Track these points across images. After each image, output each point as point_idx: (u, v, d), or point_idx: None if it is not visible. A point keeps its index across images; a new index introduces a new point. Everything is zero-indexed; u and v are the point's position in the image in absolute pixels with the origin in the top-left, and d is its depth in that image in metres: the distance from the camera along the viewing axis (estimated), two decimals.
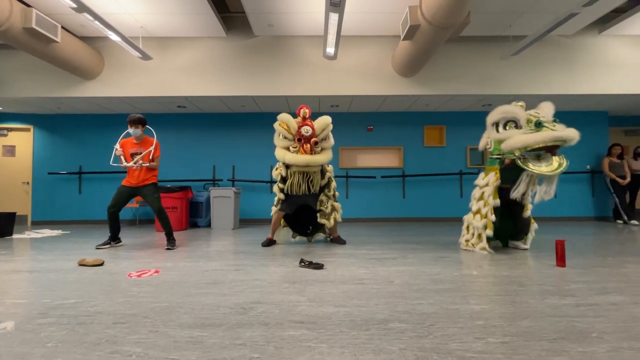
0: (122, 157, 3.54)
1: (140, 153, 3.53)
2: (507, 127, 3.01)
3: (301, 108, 3.47)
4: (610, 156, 5.94)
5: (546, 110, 2.98)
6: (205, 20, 4.60)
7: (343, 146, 6.41)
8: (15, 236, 4.59)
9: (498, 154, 3.13)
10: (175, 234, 4.72)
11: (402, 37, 4.12)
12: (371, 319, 1.54)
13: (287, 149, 3.42)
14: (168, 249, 3.50)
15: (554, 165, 2.86)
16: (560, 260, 2.56)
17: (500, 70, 5.19)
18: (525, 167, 2.90)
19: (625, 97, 5.41)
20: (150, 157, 3.56)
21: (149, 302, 1.80)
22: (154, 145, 3.57)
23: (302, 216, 3.92)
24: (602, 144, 6.34)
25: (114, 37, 3.94)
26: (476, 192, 3.30)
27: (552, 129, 2.81)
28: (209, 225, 5.67)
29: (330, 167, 3.79)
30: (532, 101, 5.67)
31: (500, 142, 3.05)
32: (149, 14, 4.37)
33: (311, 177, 3.51)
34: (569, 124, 2.98)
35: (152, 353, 1.24)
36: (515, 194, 3.03)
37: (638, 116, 6.91)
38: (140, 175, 3.56)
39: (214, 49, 5.16)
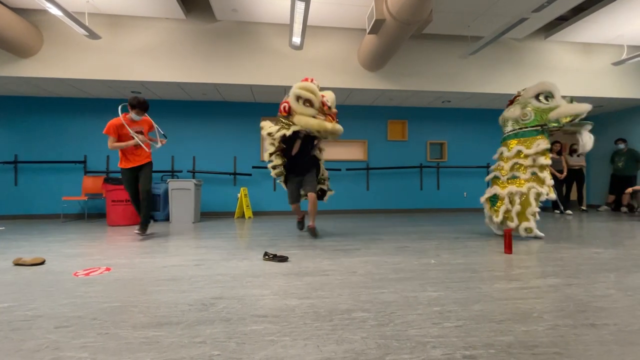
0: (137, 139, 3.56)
1: (140, 130, 3.59)
2: (548, 100, 3.38)
3: (312, 80, 3.54)
4: (550, 152, 6.54)
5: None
6: (162, 0, 4.28)
7: None
8: None
9: (538, 124, 3.38)
10: (129, 229, 4.43)
11: (367, 31, 4.16)
12: (335, 310, 1.55)
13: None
14: (137, 233, 3.58)
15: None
16: (508, 248, 2.78)
17: (459, 69, 5.45)
18: (575, 128, 3.32)
19: (565, 98, 5.95)
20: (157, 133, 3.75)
21: (98, 303, 1.67)
22: (153, 123, 3.76)
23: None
24: None
25: (54, 10, 3.53)
26: (524, 162, 3.42)
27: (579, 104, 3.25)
28: (167, 219, 5.40)
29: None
30: (487, 99, 6.06)
31: (544, 111, 3.34)
32: None
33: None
34: None
35: (100, 357, 1.14)
36: (587, 147, 3.33)
37: None
38: (143, 154, 3.62)
39: (172, 32, 4.83)
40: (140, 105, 3.51)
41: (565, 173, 6.38)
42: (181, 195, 5.16)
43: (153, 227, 4.58)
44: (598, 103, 6.30)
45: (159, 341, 1.26)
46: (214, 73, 4.92)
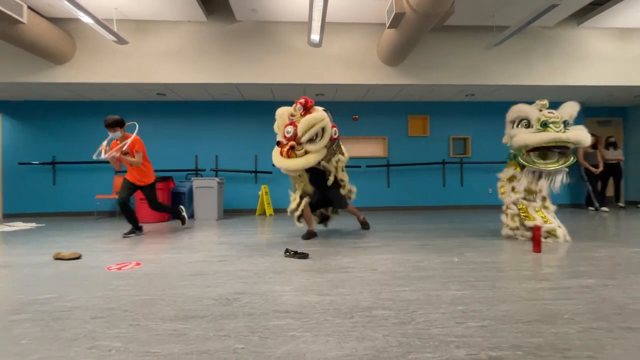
0: (103, 151, 3.57)
1: (125, 152, 3.62)
2: (520, 126, 3.15)
3: (299, 101, 3.18)
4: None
5: (567, 111, 3.08)
6: (184, 3, 4.41)
7: None
8: None
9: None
10: (157, 226, 4.62)
11: (387, 25, 4.08)
12: (355, 307, 1.55)
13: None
14: (182, 224, 4.30)
15: (555, 161, 3.00)
16: (537, 246, 2.66)
17: (483, 61, 5.25)
18: (525, 163, 3.04)
19: (601, 88, 5.60)
20: (125, 150, 3.57)
21: (129, 296, 1.76)
22: (130, 139, 3.59)
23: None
24: None
25: (85, 18, 3.72)
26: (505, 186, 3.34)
27: (555, 131, 2.92)
28: (191, 216, 5.58)
29: (340, 159, 3.49)
30: (513, 91, 5.80)
31: (512, 139, 3.20)
32: None
33: (311, 176, 3.38)
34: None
35: (132, 347, 1.21)
36: (519, 186, 3.14)
37: (611, 107, 7.19)
38: (134, 175, 3.73)
39: (194, 34, 4.97)
40: (107, 126, 3.54)
41: (601, 168, 6.02)
42: (205, 193, 5.31)
43: (180, 225, 4.73)
44: (636, 93, 5.88)
45: (186, 333, 1.31)
46: (234, 73, 5.01)
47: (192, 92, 5.64)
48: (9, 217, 5.90)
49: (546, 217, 3.09)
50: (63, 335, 1.31)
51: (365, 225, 4.01)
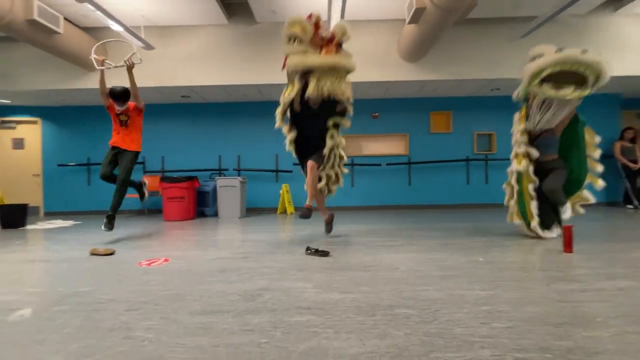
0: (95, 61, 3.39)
1: (126, 113, 3.44)
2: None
3: (309, 16, 2.94)
4: (622, 140, 5.81)
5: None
6: (206, 8, 4.54)
7: (347, 134, 6.35)
8: (28, 227, 4.70)
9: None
10: (184, 224, 4.80)
11: (407, 21, 4.02)
12: (377, 305, 1.56)
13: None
14: (103, 229, 3.27)
15: (570, 91, 2.65)
16: (568, 246, 2.54)
17: (508, 53, 5.05)
18: (539, 91, 2.73)
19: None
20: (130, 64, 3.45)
21: (159, 290, 1.85)
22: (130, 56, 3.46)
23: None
24: (614, 127, 6.18)
25: (115, 26, 3.91)
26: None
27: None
28: (216, 214, 5.74)
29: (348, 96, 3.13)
30: None
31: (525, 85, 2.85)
32: (149, 2, 4.32)
33: (330, 87, 2.94)
34: (579, 107, 2.91)
35: (163, 339, 1.27)
36: (530, 124, 2.93)
37: None
38: (127, 138, 3.45)
39: (215, 37, 5.10)
40: (117, 99, 3.40)
41: None
42: (228, 192, 5.46)
43: (205, 223, 4.88)
44: None
45: (213, 327, 1.36)
46: (256, 74, 5.10)
47: (214, 94, 5.79)
48: (50, 215, 6.32)
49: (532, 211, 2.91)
50: (101, 325, 1.40)
51: (328, 227, 3.46)
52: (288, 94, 3.04)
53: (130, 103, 3.47)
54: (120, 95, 3.37)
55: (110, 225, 3.29)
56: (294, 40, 2.88)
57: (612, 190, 6.24)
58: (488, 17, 4.90)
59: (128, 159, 3.43)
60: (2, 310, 1.58)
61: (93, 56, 3.34)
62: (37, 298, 1.76)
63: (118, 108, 3.43)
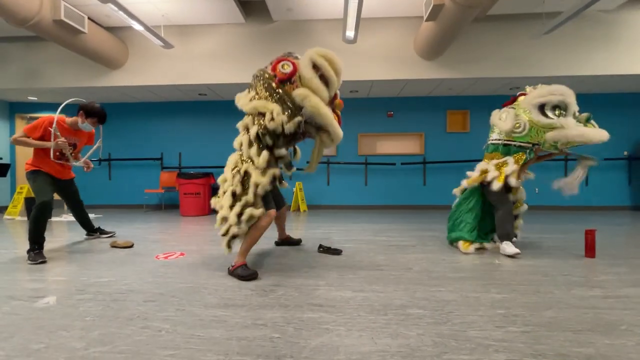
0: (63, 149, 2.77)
1: (75, 144, 2.95)
2: (557, 113, 2.56)
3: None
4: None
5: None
6: (224, 7, 4.60)
7: (362, 132, 6.32)
8: (53, 219, 4.91)
9: (528, 142, 2.65)
10: (199, 219, 4.89)
11: (425, 18, 3.95)
12: (389, 305, 1.55)
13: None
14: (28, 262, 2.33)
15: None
16: (590, 251, 2.45)
17: (529, 51, 4.90)
18: (584, 157, 2.70)
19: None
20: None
21: (175, 283, 1.90)
22: (99, 140, 3.20)
23: None
24: None
25: (137, 26, 4.02)
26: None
27: (595, 127, 2.60)
28: None
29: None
30: (564, 83, 5.34)
31: (544, 128, 2.56)
32: (169, 1, 4.41)
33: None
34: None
35: (179, 329, 1.31)
36: (573, 186, 2.68)
37: None
38: (68, 167, 3.05)
39: (233, 36, 5.16)
40: (101, 117, 2.97)
41: None
42: None
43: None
44: None
45: (226, 320, 1.39)
46: None
47: (231, 92, 5.87)
48: None
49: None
50: (121, 314, 1.46)
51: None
52: (284, 121, 2.16)
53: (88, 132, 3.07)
54: (103, 115, 3.03)
55: (32, 255, 2.40)
56: (321, 77, 2.16)
57: (639, 193, 5.98)
58: (510, 13, 4.76)
59: (74, 188, 3.21)
60: (30, 297, 1.67)
61: (54, 130, 2.68)
62: (61, 286, 1.84)
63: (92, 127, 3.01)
